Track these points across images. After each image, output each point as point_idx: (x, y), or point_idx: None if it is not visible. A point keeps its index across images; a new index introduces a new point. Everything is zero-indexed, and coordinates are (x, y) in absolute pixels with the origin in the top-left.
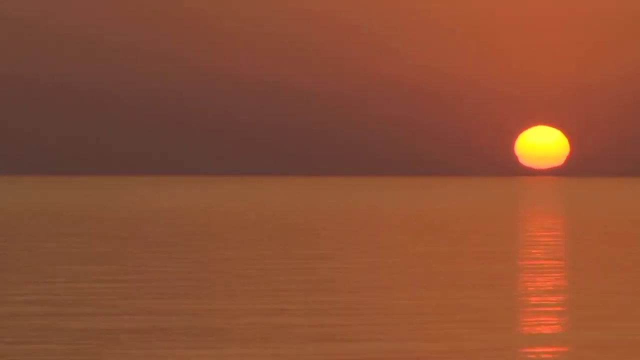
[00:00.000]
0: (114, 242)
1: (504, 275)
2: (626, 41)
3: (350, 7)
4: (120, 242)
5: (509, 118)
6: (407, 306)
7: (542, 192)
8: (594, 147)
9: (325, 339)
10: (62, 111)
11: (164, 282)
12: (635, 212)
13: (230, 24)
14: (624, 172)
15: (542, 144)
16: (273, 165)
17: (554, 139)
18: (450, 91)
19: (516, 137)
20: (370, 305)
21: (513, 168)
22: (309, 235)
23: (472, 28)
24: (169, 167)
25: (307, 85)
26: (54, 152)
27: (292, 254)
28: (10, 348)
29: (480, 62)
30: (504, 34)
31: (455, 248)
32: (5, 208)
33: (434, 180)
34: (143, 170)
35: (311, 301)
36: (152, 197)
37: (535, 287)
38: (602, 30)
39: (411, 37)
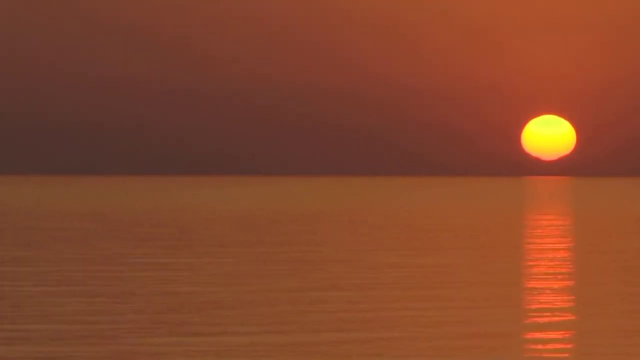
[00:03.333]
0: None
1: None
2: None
3: (357, 3)
4: None
5: (514, 110)
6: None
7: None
8: (600, 136)
9: None
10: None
11: None
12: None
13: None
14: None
15: (548, 134)
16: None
17: (561, 129)
18: (456, 86)
19: (523, 126)
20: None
21: (518, 159)
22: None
23: (476, 24)
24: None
25: (309, 82)
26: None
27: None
28: None
29: (482, 57)
30: (508, 30)
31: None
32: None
33: (432, 180)
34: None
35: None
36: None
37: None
38: (605, 28)
39: (413, 35)
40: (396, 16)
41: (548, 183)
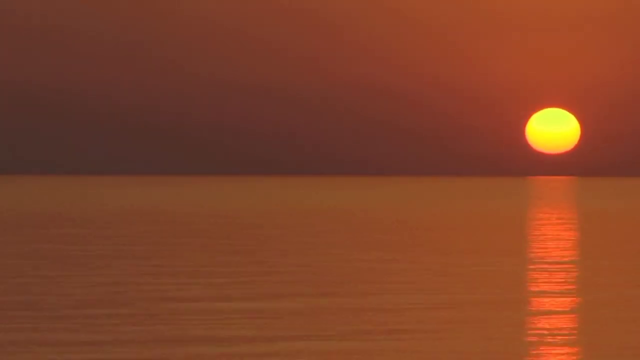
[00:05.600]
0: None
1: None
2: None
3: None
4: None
5: (515, 106)
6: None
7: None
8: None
9: None
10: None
11: None
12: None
13: (230, 28)
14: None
15: (553, 127)
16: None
17: (565, 122)
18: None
19: (526, 122)
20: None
21: (523, 156)
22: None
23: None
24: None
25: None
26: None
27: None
28: None
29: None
30: (511, 26)
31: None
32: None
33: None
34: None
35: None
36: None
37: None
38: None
39: (412, 33)
40: (400, 12)
41: (557, 183)
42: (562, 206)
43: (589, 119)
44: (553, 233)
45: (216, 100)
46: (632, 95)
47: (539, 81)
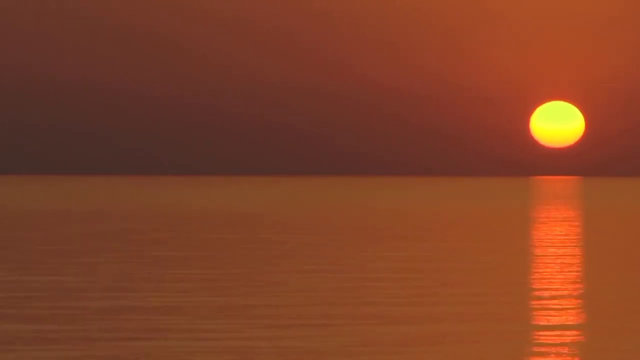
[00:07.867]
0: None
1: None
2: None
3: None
4: None
5: (515, 105)
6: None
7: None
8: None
9: None
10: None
11: None
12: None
13: (234, 20)
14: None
15: (557, 120)
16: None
17: (570, 115)
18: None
19: (529, 118)
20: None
21: (527, 152)
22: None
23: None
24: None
25: (323, 87)
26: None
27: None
28: None
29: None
30: (521, 28)
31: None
32: None
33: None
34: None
35: None
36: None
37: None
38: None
39: (412, 33)
40: (401, 10)
41: (565, 183)
42: (580, 206)
43: (594, 114)
44: (571, 233)
45: (232, 99)
46: (635, 92)
47: (542, 77)
